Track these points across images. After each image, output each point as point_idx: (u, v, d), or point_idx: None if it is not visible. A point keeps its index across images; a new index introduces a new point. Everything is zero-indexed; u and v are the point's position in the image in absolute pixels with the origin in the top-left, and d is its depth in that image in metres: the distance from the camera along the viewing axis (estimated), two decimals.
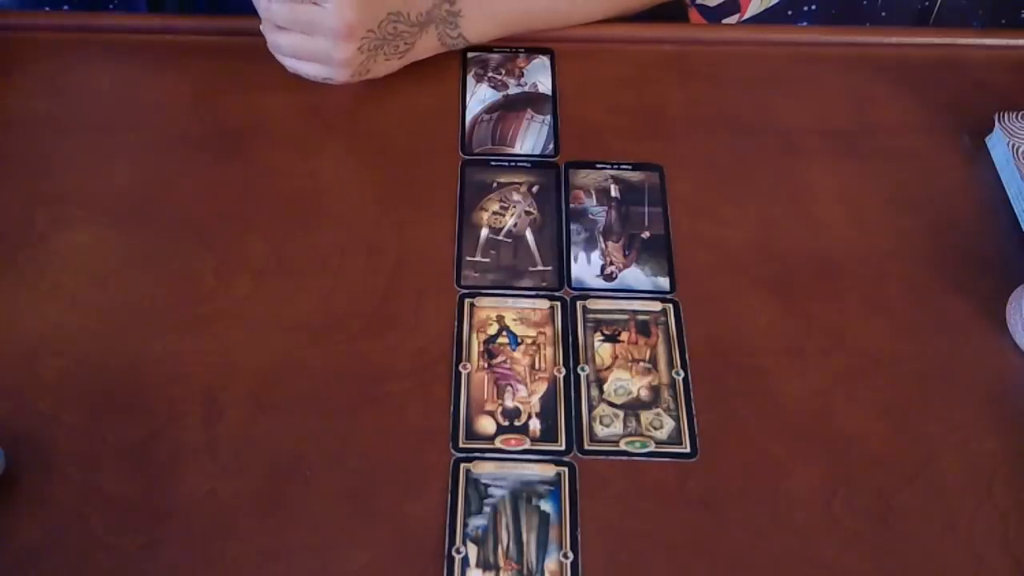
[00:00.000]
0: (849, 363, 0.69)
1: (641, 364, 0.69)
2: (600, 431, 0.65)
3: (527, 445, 0.65)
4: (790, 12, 0.97)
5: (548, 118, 0.83)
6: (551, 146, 0.81)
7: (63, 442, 0.64)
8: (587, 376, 0.68)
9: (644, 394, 0.67)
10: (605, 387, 0.67)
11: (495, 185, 0.78)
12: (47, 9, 0.92)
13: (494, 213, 0.76)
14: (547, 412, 0.66)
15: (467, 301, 0.71)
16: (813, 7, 0.97)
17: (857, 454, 0.65)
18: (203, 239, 0.74)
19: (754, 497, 0.63)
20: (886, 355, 0.70)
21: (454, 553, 0.60)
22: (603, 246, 0.75)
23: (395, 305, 0.71)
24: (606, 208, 0.77)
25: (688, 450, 0.65)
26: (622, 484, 0.63)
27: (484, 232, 0.75)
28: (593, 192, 0.78)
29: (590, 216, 0.77)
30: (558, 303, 0.71)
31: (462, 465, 0.64)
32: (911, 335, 0.71)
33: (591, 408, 0.66)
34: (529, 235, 0.75)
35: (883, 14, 0.99)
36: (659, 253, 0.74)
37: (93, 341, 0.68)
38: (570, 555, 0.60)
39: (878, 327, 0.71)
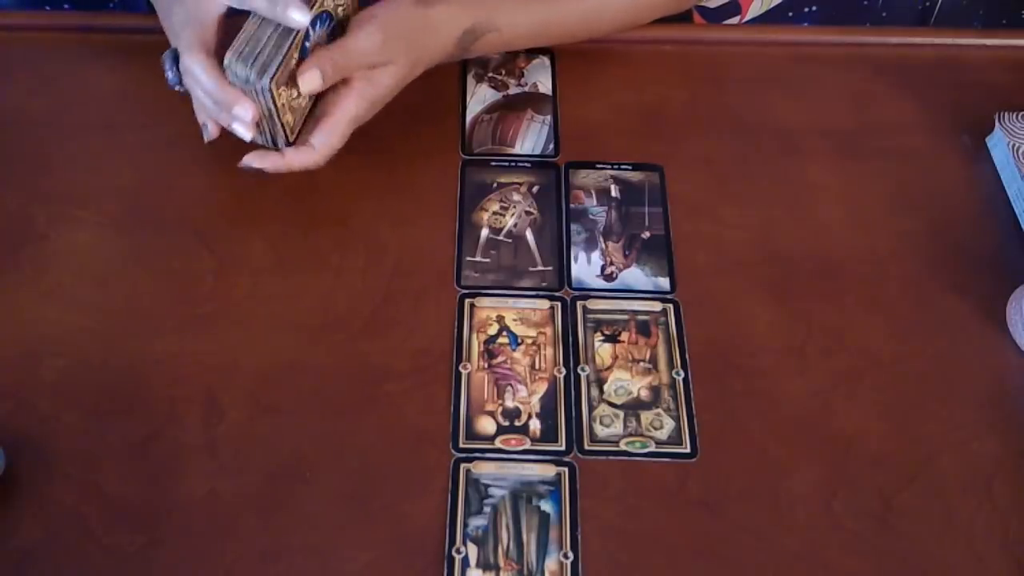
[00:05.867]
0: (849, 363, 0.69)
1: (641, 364, 0.69)
2: (600, 431, 0.65)
3: (527, 445, 0.65)
4: (791, 14, 0.97)
5: (548, 118, 0.83)
6: (551, 146, 0.81)
7: (63, 442, 0.64)
8: (587, 376, 0.68)
9: (644, 394, 0.67)
10: (605, 387, 0.67)
11: (495, 185, 0.78)
12: (47, 9, 0.92)
13: (494, 213, 0.76)
14: (547, 412, 0.66)
15: (467, 301, 0.71)
16: (813, 8, 0.97)
17: (857, 454, 0.65)
18: (203, 239, 0.74)
19: (754, 497, 0.63)
20: (886, 355, 0.70)
21: (454, 553, 0.60)
22: (603, 246, 0.75)
23: (395, 305, 0.71)
24: (606, 208, 0.77)
25: (688, 450, 0.65)
26: (622, 484, 0.63)
27: (484, 232, 0.75)
28: (593, 192, 0.78)
29: (590, 216, 0.77)
30: (558, 303, 0.71)
31: (462, 465, 0.64)
32: (911, 335, 0.71)
33: (591, 408, 0.66)
34: (529, 235, 0.75)
35: (883, 14, 0.99)
36: (659, 253, 0.74)
37: (93, 341, 0.68)
38: (570, 555, 0.60)
39: (878, 327, 0.71)
